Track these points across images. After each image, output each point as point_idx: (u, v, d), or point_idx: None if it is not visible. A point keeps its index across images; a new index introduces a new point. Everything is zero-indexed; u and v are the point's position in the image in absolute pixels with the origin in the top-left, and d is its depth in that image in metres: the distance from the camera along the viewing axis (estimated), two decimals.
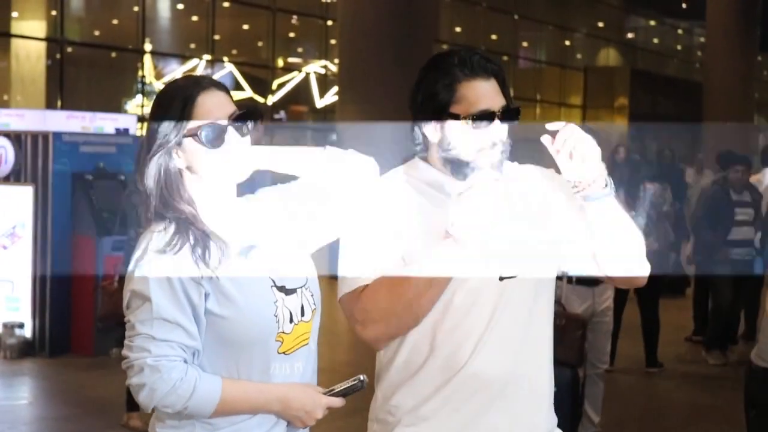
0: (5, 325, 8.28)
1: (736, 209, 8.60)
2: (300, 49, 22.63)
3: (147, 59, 17.79)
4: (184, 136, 2.26)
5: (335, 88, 16.37)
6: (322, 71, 21.15)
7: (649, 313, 8.34)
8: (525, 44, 28.30)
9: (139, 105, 17.70)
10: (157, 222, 2.25)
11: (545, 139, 2.34)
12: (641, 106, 27.76)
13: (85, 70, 17.86)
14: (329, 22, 20.34)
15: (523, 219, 2.48)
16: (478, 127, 2.41)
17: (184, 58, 19.15)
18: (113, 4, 19.13)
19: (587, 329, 5.72)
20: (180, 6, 19.87)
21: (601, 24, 30.45)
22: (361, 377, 2.33)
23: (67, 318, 8.43)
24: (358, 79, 12.75)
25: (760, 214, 8.88)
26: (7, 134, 8.55)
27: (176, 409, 2.17)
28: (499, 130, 2.43)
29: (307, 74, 21.03)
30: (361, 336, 2.42)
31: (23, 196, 8.42)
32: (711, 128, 21.34)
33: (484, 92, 2.42)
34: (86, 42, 17.75)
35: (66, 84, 15.85)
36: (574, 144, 2.32)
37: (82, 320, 8.39)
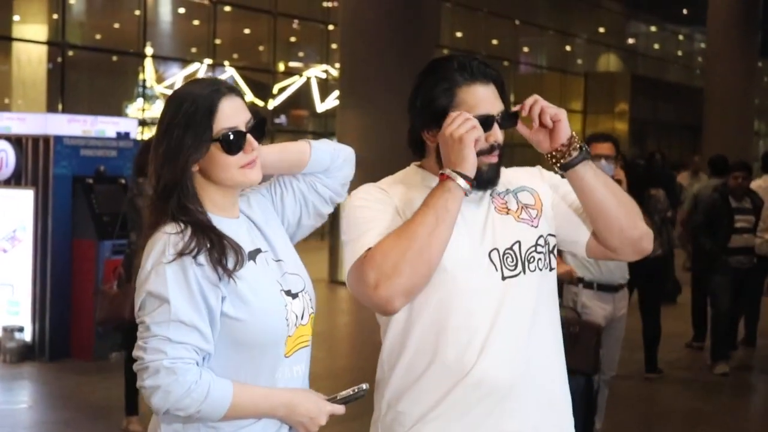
0: (5, 329, 8.28)
1: (736, 216, 8.57)
2: (301, 54, 22.64)
3: (148, 63, 17.80)
4: (211, 141, 2.26)
5: (336, 93, 16.38)
6: (323, 76, 21.16)
7: (651, 319, 8.33)
8: (526, 49, 28.31)
9: (140, 109, 17.71)
10: (171, 224, 2.23)
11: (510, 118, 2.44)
12: (642, 112, 27.79)
13: (87, 73, 17.87)
14: (330, 27, 20.35)
15: (521, 217, 2.50)
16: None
17: (185, 62, 19.16)
18: (114, 8, 19.14)
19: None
20: (181, 10, 19.89)
21: (601, 29, 30.47)
22: (364, 386, 2.34)
23: (67, 322, 8.43)
24: (359, 84, 12.76)
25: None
26: (8, 138, 8.56)
27: (189, 412, 2.17)
28: (499, 134, 2.44)
29: (308, 78, 21.04)
30: (374, 299, 2.32)
31: (24, 199, 8.43)
32: (711, 133, 21.36)
33: (484, 97, 2.44)
34: (87, 45, 17.75)
35: (67, 87, 15.86)
36: (540, 109, 2.43)
37: (82, 324, 8.39)
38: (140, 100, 17.74)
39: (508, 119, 2.45)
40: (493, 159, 2.45)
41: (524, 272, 2.47)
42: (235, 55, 20.44)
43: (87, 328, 8.36)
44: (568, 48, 28.99)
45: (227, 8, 19.33)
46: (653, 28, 34.16)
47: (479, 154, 2.41)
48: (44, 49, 16.54)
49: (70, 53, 16.56)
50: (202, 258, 2.20)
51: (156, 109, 18.26)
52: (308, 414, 2.28)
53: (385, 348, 2.52)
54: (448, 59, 2.49)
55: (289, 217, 2.50)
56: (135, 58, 17.52)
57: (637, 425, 7.07)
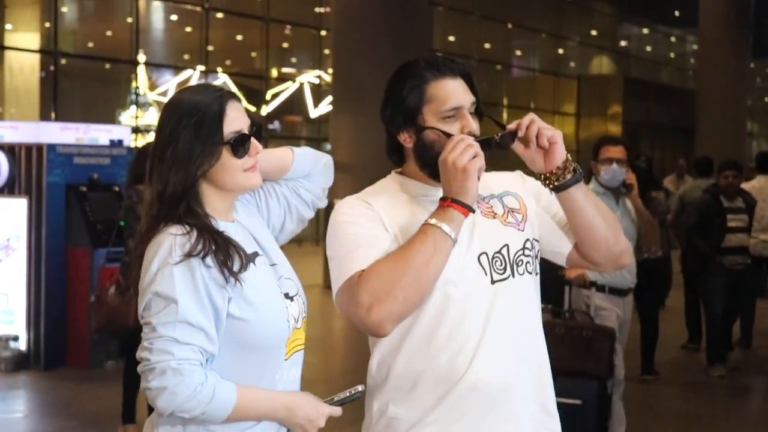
0: (0, 338, 8.26)
1: (729, 216, 8.50)
2: (294, 60, 22.66)
3: (141, 70, 17.80)
4: (222, 144, 2.28)
5: (329, 98, 16.38)
6: (316, 81, 21.17)
7: (649, 320, 8.33)
8: (518, 53, 28.35)
9: (133, 116, 17.69)
10: (175, 226, 2.24)
11: (503, 139, 2.41)
12: (635, 114, 27.82)
13: (79, 81, 17.86)
14: (323, 32, 20.36)
15: (507, 221, 2.50)
16: (450, 122, 2.43)
17: (178, 69, 19.16)
18: (107, 16, 19.14)
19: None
20: (174, 17, 19.89)
21: (594, 32, 30.52)
22: (359, 388, 2.36)
23: (62, 330, 8.41)
24: (352, 89, 12.76)
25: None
26: (0, 146, 8.54)
27: (193, 414, 2.17)
28: (472, 124, 2.45)
29: (301, 84, 21.04)
30: (365, 322, 2.31)
31: (17, 208, 8.41)
32: (704, 135, 21.38)
33: (453, 89, 2.45)
34: (80, 54, 17.75)
35: (60, 96, 15.85)
36: (537, 130, 2.40)
37: (77, 333, 8.38)
38: (133, 107, 17.73)
39: (507, 139, 2.45)
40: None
41: (513, 275, 2.47)
42: (228, 62, 20.45)
43: (82, 336, 8.35)
44: (560, 51, 29.03)
45: (219, 15, 19.34)
46: (645, 31, 34.23)
47: None
48: (37, 57, 16.54)
49: (63, 61, 16.55)
50: (209, 260, 2.21)
51: (149, 117, 18.25)
52: (307, 417, 2.29)
53: (375, 355, 2.51)
54: (415, 60, 2.51)
55: (274, 222, 2.52)
56: (128, 66, 17.51)
57: (633, 427, 7.06)
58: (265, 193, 2.52)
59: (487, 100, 24.27)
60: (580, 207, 2.47)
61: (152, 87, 18.50)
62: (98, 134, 9.06)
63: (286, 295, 2.35)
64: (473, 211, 2.35)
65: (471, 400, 2.40)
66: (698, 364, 8.86)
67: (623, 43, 32.99)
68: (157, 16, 19.67)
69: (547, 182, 2.45)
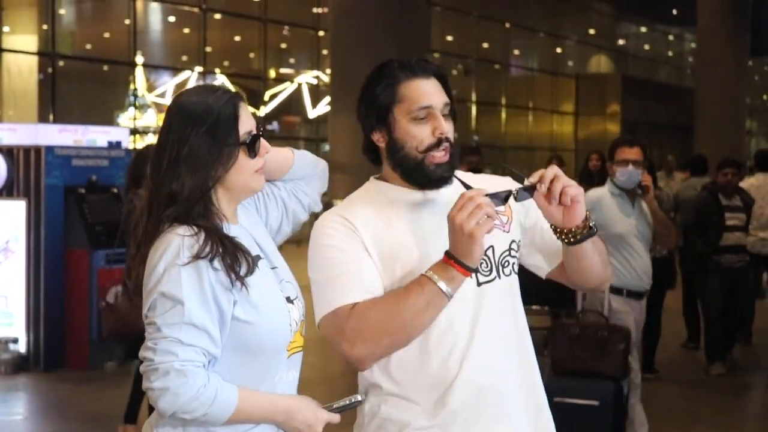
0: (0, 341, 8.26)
1: (727, 214, 8.44)
2: (292, 60, 22.66)
3: (139, 72, 17.79)
4: (238, 145, 2.28)
5: (327, 99, 16.38)
6: (314, 82, 21.16)
7: (651, 319, 8.31)
8: (517, 52, 28.35)
9: (131, 118, 17.68)
10: (182, 226, 2.23)
11: (522, 195, 2.32)
12: (633, 113, 27.82)
13: (78, 83, 17.85)
14: (321, 33, 20.36)
15: (496, 227, 2.48)
16: (421, 123, 2.43)
17: (176, 70, 19.15)
18: (104, 18, 19.13)
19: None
20: (171, 18, 19.88)
21: (592, 31, 30.52)
22: (359, 397, 2.38)
23: (62, 332, 8.41)
24: (350, 89, 12.68)
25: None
26: None
27: (195, 416, 2.17)
28: (444, 126, 2.44)
29: (299, 85, 21.04)
30: (346, 354, 2.36)
31: (16, 210, 8.41)
32: (702, 133, 21.38)
33: (425, 90, 2.44)
34: (78, 56, 17.74)
35: (58, 98, 15.84)
36: (561, 187, 2.32)
37: (76, 334, 8.37)
38: (131, 109, 17.73)
39: (526, 194, 2.35)
40: (443, 158, 2.44)
41: (499, 277, 2.47)
42: (226, 63, 20.45)
43: (82, 338, 8.35)
44: (558, 50, 29.03)
45: (217, 16, 19.33)
46: (643, 29, 34.24)
47: (426, 150, 2.42)
48: (35, 59, 16.53)
49: (61, 63, 16.55)
50: (216, 263, 2.21)
51: (148, 118, 18.25)
52: (306, 421, 2.30)
53: None
54: (390, 61, 2.51)
55: (272, 224, 2.53)
56: (126, 67, 17.50)
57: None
58: (264, 195, 2.52)
59: (485, 99, 24.27)
60: (586, 255, 2.47)
61: (150, 88, 18.50)
62: (96, 136, 9.06)
63: (288, 299, 2.36)
64: (475, 272, 2.32)
65: (463, 402, 2.40)
66: (698, 363, 8.86)
67: (621, 42, 32.99)
68: (154, 18, 19.66)
69: (563, 237, 2.41)
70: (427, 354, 2.40)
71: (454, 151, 2.46)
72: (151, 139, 17.92)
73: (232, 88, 3.24)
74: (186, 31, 19.71)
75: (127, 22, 17.31)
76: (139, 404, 6.33)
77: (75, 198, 8.46)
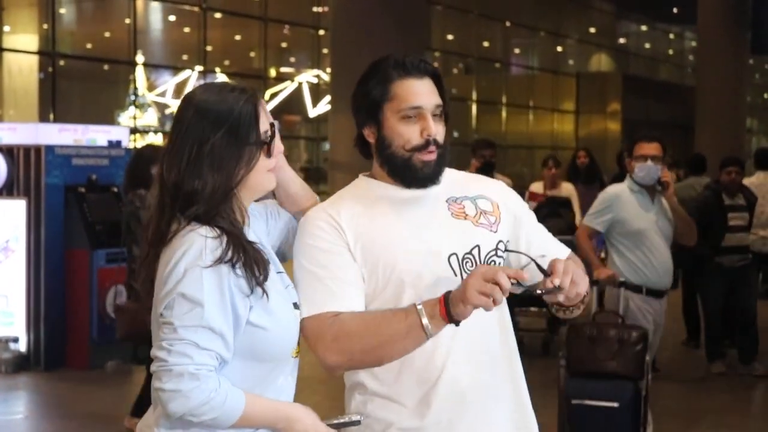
0: (0, 340, 8.26)
1: (730, 214, 8.35)
2: (292, 59, 22.65)
3: (139, 71, 17.79)
4: (260, 144, 2.27)
5: (328, 98, 16.37)
6: (315, 81, 21.17)
7: None
8: (517, 51, 28.34)
9: (131, 117, 17.68)
10: (203, 227, 2.20)
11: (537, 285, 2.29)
12: (634, 111, 27.82)
13: (78, 82, 17.85)
14: (321, 32, 20.35)
15: (479, 222, 2.49)
16: (410, 122, 2.43)
17: (176, 69, 19.16)
18: (105, 17, 19.13)
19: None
20: (172, 17, 19.88)
21: (592, 30, 30.51)
22: (359, 417, 2.38)
23: (62, 331, 8.41)
24: (350, 88, 12.68)
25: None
26: None
27: (203, 419, 2.16)
28: (432, 127, 2.44)
29: (300, 84, 21.04)
30: (320, 359, 2.37)
31: (16, 209, 8.41)
32: (703, 131, 21.36)
33: (416, 90, 2.45)
34: (78, 55, 17.74)
35: (59, 97, 15.84)
36: (575, 292, 2.30)
37: (77, 334, 8.37)
38: (132, 108, 17.72)
39: (551, 296, 2.31)
40: (430, 156, 2.44)
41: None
42: (227, 62, 20.45)
43: (82, 337, 8.35)
44: (559, 49, 29.03)
45: (217, 15, 19.33)
46: (644, 28, 34.22)
47: (413, 150, 2.42)
48: (35, 59, 16.53)
49: (61, 63, 16.55)
50: (239, 269, 2.19)
51: (148, 117, 18.25)
52: (305, 430, 2.28)
53: None
54: (386, 58, 2.51)
55: (274, 243, 2.51)
56: (126, 67, 17.51)
57: None
58: (276, 213, 2.52)
59: (486, 98, 24.26)
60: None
61: (151, 88, 18.50)
62: (96, 135, 9.06)
63: (295, 305, 2.36)
64: (456, 325, 2.30)
65: (447, 402, 2.41)
66: (698, 361, 8.85)
67: (622, 41, 32.98)
68: (155, 17, 19.66)
69: (556, 309, 2.44)
70: (410, 356, 2.39)
71: (443, 152, 2.46)
72: (152, 138, 17.93)
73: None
74: (186, 30, 19.70)
75: (127, 21, 17.31)
76: (148, 401, 6.31)
77: (75, 197, 8.45)
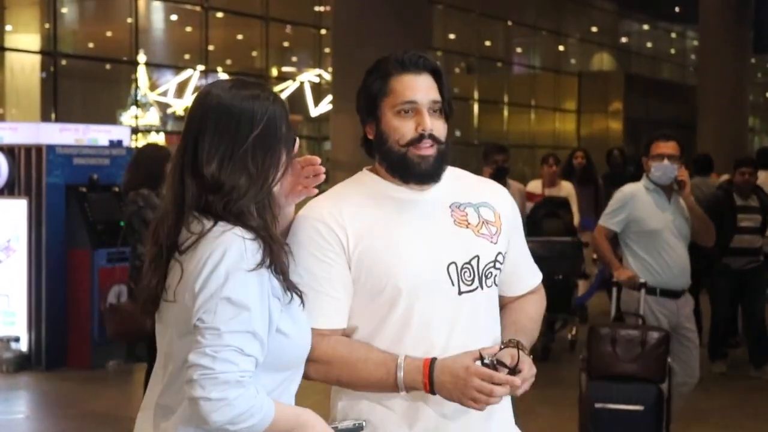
0: (1, 339, 8.26)
1: (740, 215, 8.19)
2: (294, 59, 22.63)
3: (141, 70, 17.78)
4: (290, 144, 2.26)
5: (329, 97, 16.37)
6: (316, 80, 21.15)
7: None
8: (519, 50, 28.31)
9: (133, 116, 17.67)
10: (238, 227, 2.15)
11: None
12: (635, 110, 27.79)
13: (80, 82, 17.84)
14: (323, 31, 20.34)
15: (480, 232, 2.48)
16: (405, 117, 2.42)
17: (178, 68, 19.14)
18: (106, 16, 19.11)
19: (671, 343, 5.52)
20: (173, 17, 19.86)
21: (594, 29, 30.48)
22: (363, 423, 2.39)
23: (64, 331, 8.41)
24: (352, 88, 12.65)
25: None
26: (0, 148, 8.54)
27: (241, 427, 2.10)
28: (428, 122, 2.43)
29: (302, 83, 21.03)
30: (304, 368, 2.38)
31: (17, 209, 8.41)
32: (705, 131, 21.36)
33: (412, 85, 2.44)
34: (80, 54, 17.72)
35: (60, 96, 15.82)
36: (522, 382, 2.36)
37: (78, 333, 8.37)
38: (134, 107, 17.72)
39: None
40: (427, 151, 2.43)
41: (481, 287, 2.46)
42: (228, 61, 20.43)
43: (83, 337, 8.35)
44: (561, 48, 28.99)
45: (219, 14, 19.31)
46: (646, 27, 34.18)
47: (408, 144, 2.42)
48: (37, 58, 16.52)
49: (63, 62, 16.54)
50: (275, 272, 2.17)
51: (150, 117, 18.23)
52: None
53: None
54: (389, 55, 2.52)
55: None
56: (128, 66, 17.49)
57: None
58: None
59: (487, 97, 24.23)
60: None
61: (152, 87, 18.48)
62: (97, 135, 9.06)
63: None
64: (432, 393, 2.34)
65: (436, 409, 2.40)
66: (701, 361, 8.82)
67: (624, 40, 32.94)
68: (156, 16, 19.64)
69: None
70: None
71: (444, 149, 2.45)
72: (154, 137, 17.92)
73: None
74: (188, 29, 19.68)
75: (129, 20, 17.29)
76: None
77: (76, 197, 8.45)
